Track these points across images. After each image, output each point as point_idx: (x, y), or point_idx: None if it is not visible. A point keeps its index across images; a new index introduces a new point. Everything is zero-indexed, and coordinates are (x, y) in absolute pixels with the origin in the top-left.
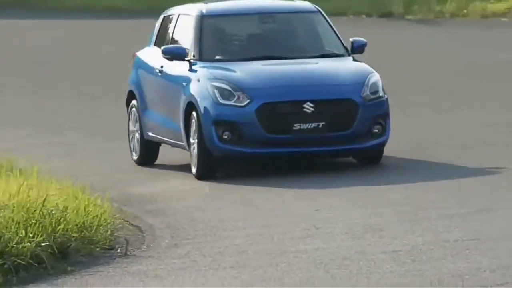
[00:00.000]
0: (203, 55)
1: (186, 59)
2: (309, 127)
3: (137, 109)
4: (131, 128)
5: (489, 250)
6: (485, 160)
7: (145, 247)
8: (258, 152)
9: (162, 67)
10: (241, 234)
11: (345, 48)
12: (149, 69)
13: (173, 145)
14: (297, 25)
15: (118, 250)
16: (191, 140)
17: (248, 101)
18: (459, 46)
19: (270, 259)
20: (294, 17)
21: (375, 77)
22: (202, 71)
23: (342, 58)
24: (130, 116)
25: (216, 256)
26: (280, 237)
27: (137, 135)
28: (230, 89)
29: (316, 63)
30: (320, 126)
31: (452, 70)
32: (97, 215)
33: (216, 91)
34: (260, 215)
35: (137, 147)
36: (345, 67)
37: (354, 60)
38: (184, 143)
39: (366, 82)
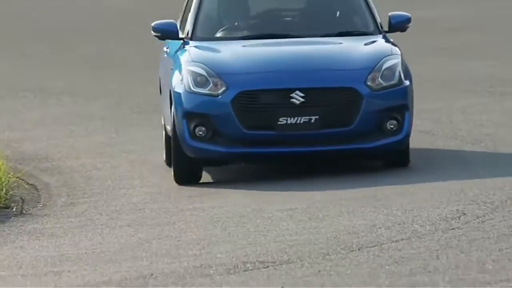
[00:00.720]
0: (196, 33)
1: (180, 37)
2: (298, 121)
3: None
4: (161, 122)
5: (384, 207)
6: None
7: (41, 205)
8: (235, 153)
9: (167, 47)
10: (137, 193)
11: (377, 24)
12: (165, 51)
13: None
14: None
15: (14, 209)
16: None
17: (223, 89)
18: None
19: (167, 217)
20: None
21: (393, 60)
22: (187, 52)
23: (367, 36)
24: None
25: (113, 214)
26: (177, 195)
27: (163, 129)
28: (205, 74)
29: (326, 43)
30: (312, 120)
31: None
32: None
33: (190, 77)
34: (157, 173)
35: (164, 145)
36: (360, 48)
37: (386, 39)
38: None
39: (377, 67)
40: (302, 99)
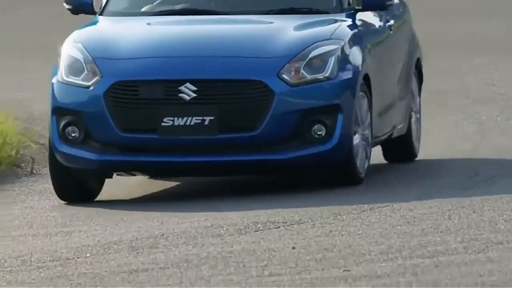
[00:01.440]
0: (108, 7)
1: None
2: (187, 123)
3: None
4: None
5: (395, 168)
6: None
7: None
8: (108, 161)
9: None
10: None
11: (339, 1)
12: None
13: None
14: None
15: (24, 169)
16: None
17: (97, 78)
18: None
19: (177, 178)
20: None
21: (328, 46)
22: (77, 30)
23: (321, 15)
24: None
25: (123, 174)
26: None
27: None
28: (81, 59)
29: (249, 22)
30: (207, 122)
31: None
32: (2, 134)
33: (65, 62)
34: None
35: None
36: (290, 30)
37: (352, 19)
38: None
39: (301, 54)
40: (193, 94)
